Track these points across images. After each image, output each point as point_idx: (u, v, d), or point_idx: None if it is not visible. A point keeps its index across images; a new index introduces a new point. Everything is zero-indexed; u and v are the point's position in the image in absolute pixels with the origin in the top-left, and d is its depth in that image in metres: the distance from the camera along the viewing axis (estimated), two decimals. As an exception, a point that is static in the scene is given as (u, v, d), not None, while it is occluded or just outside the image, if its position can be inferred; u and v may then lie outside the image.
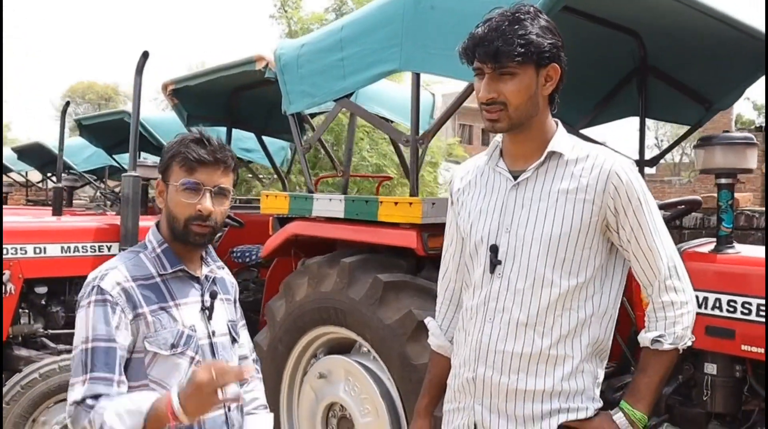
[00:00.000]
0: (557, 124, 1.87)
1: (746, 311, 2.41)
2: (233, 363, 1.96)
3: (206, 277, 1.95)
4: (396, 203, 3.01)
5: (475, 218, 1.91)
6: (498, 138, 1.94)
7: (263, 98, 5.78)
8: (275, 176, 6.98)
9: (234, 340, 2.00)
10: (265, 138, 6.27)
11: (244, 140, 6.55)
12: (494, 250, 1.83)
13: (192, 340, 1.84)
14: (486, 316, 1.84)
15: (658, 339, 1.78)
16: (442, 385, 2.08)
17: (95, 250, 4.58)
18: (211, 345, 1.90)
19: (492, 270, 1.83)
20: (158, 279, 1.86)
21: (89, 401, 1.70)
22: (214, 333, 1.92)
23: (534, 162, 1.82)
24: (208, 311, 1.91)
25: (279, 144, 6.83)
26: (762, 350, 2.38)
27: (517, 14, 1.74)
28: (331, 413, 3.29)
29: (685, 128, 3.97)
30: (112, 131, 7.01)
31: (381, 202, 3.09)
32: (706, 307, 2.48)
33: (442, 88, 10.38)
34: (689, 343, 1.81)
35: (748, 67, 3.50)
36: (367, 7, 3.26)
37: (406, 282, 2.96)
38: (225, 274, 2.06)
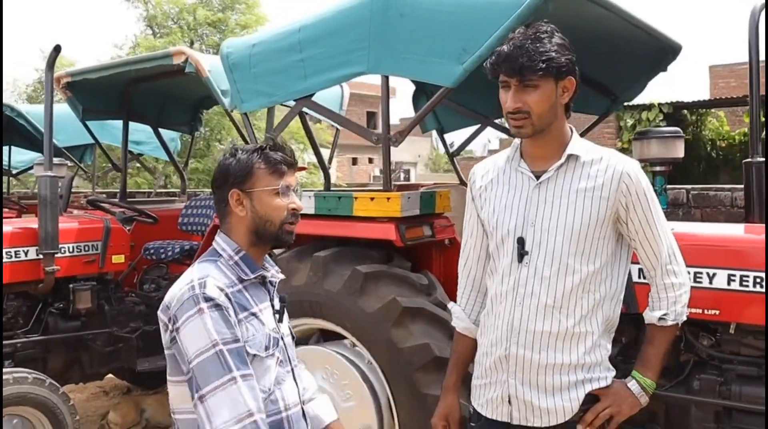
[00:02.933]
0: (572, 130, 2.14)
1: None
2: (297, 361, 2.10)
3: (270, 281, 2.04)
4: (372, 199, 3.17)
5: (500, 213, 2.14)
6: (516, 141, 2.19)
7: (159, 90, 5.71)
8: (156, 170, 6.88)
9: (293, 338, 2.13)
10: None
11: (134, 133, 6.41)
12: (521, 241, 2.08)
13: (278, 341, 1.96)
14: (516, 300, 2.08)
15: (664, 317, 2.12)
16: (467, 363, 2.33)
17: (11, 256, 4.36)
18: (284, 345, 2.01)
19: (520, 259, 2.08)
20: (240, 285, 1.92)
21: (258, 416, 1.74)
22: (283, 334, 2.03)
23: (553, 163, 2.08)
24: (278, 314, 2.02)
25: (169, 135, 6.75)
26: (698, 310, 2.70)
27: (537, 33, 2.01)
28: (306, 402, 3.41)
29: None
30: None
31: (356, 197, 3.24)
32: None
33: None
34: (685, 318, 2.16)
35: (650, 63, 3.93)
36: (326, 11, 3.36)
37: (383, 272, 3.13)
38: (282, 277, 2.14)
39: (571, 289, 2.04)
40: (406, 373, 2.98)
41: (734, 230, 3.18)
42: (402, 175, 32.70)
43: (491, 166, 2.25)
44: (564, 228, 2.04)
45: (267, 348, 1.90)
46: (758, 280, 2.60)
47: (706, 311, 2.72)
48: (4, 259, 4.32)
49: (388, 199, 3.11)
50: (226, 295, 1.83)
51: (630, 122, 11.73)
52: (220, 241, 1.97)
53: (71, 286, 4.65)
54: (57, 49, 4.46)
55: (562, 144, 2.10)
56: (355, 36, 3.17)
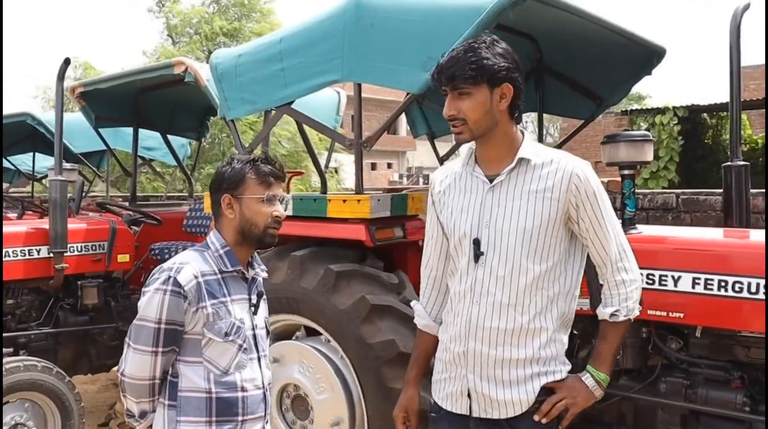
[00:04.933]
0: (523, 134, 2.21)
1: (650, 282, 2.80)
2: (267, 352, 2.35)
3: (253, 278, 2.29)
4: (344, 201, 3.33)
5: (457, 216, 2.22)
6: (472, 146, 2.28)
7: (167, 99, 5.94)
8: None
9: (268, 333, 2.37)
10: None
11: (145, 139, 6.68)
12: (477, 243, 2.15)
13: (241, 330, 2.21)
14: (473, 299, 2.16)
15: (615, 313, 2.17)
16: (428, 358, 2.43)
17: (26, 255, 4.62)
18: (254, 336, 2.27)
19: (476, 260, 2.15)
20: (219, 276, 2.20)
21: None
22: (256, 326, 2.28)
23: (505, 167, 2.15)
24: (254, 308, 2.27)
25: (179, 141, 7.00)
26: (663, 313, 2.79)
27: (473, 44, 2.10)
28: (285, 394, 3.57)
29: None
30: (7, 134, 6.91)
31: (329, 200, 3.40)
32: (617, 280, 2.87)
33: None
34: (637, 314, 2.20)
35: (633, 67, 4.01)
36: (305, 22, 3.53)
37: (355, 271, 3.27)
38: (265, 276, 2.39)
39: (525, 287, 2.11)
40: (374, 367, 3.11)
41: (704, 234, 3.20)
42: (421, 180, 32.76)
43: (449, 172, 2.33)
44: (516, 229, 2.11)
45: (227, 334, 2.16)
46: (722, 283, 2.63)
47: (670, 314, 2.77)
48: (19, 257, 4.61)
49: (359, 201, 3.25)
50: (196, 284, 2.13)
51: (644, 126, 11.68)
52: (211, 236, 2.27)
53: (79, 282, 4.92)
54: (66, 62, 4.75)
55: (512, 148, 2.16)
56: (330, 46, 3.33)
